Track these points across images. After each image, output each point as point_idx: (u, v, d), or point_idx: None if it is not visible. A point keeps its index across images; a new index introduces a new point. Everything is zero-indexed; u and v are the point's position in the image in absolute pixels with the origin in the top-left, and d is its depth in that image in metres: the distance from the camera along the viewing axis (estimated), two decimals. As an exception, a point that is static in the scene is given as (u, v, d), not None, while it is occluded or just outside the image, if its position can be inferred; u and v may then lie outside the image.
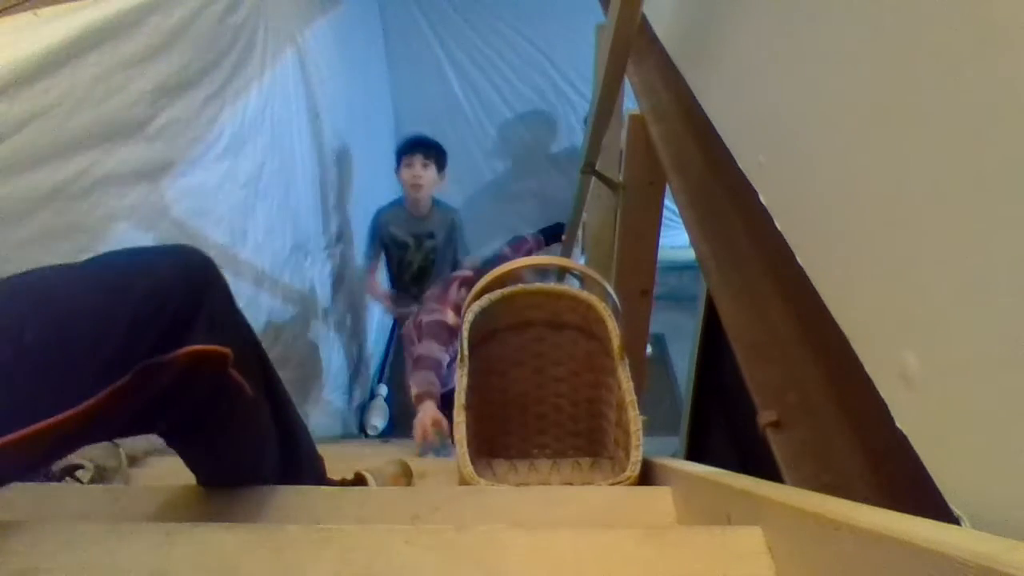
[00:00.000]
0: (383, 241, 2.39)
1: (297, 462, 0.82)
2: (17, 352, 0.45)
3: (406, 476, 1.13)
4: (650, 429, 0.90)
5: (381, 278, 2.50)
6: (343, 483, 0.99)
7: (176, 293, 0.55)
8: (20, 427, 0.45)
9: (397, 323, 2.81)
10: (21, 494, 0.72)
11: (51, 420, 0.46)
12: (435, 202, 2.37)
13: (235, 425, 0.67)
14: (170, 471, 0.71)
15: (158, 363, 0.53)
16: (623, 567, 0.47)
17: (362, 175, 2.78)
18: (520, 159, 3.58)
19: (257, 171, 1.64)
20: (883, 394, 0.42)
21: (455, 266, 2.38)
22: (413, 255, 2.37)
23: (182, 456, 0.70)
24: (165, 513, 0.71)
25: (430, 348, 1.70)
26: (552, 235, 2.51)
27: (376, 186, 2.98)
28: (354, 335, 2.65)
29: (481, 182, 3.56)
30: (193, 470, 0.72)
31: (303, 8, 2.01)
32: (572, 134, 3.44)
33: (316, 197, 2.16)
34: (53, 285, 0.51)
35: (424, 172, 2.23)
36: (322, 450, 0.92)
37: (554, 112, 3.42)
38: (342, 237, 2.46)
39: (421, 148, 2.24)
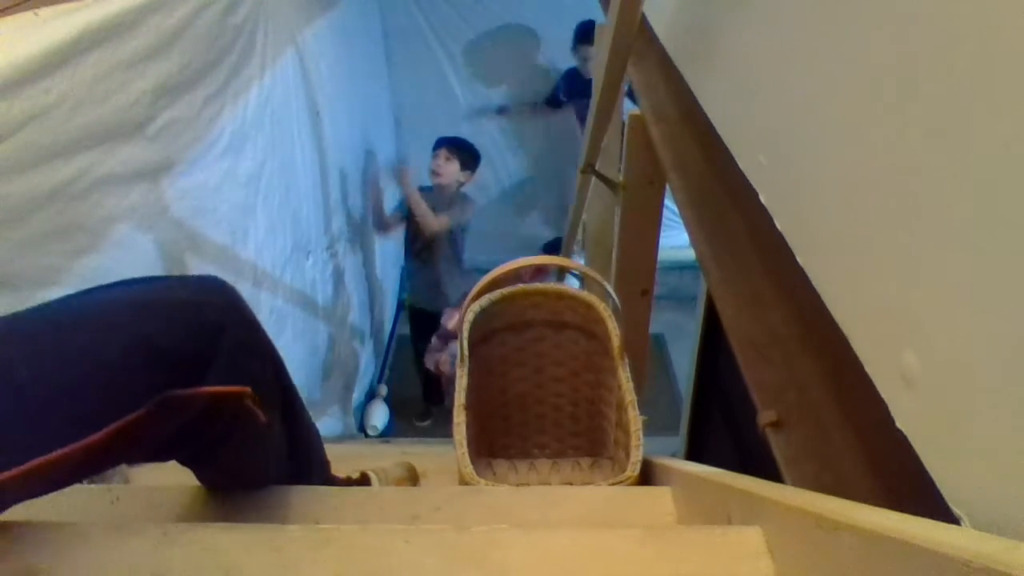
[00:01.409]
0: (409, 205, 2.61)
1: (307, 472, 0.82)
2: (9, 391, 0.45)
3: (411, 479, 1.13)
4: (650, 429, 0.90)
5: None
6: (348, 481, 0.99)
7: (191, 333, 0.54)
8: (23, 461, 0.44)
9: (398, 318, 2.86)
10: (21, 494, 0.72)
11: (55, 455, 0.46)
12: (460, 194, 2.60)
13: (246, 450, 0.67)
14: (170, 471, 0.71)
15: (178, 397, 0.53)
16: (623, 567, 0.47)
17: (363, 175, 2.78)
18: (520, 158, 3.58)
19: (257, 171, 1.64)
20: (883, 394, 0.42)
21: (456, 247, 2.68)
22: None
23: (193, 472, 0.70)
24: (165, 513, 0.71)
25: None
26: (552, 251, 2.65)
27: (377, 185, 2.98)
28: (354, 335, 2.65)
29: (481, 181, 3.56)
30: (201, 482, 0.72)
31: (303, 8, 2.01)
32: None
33: (317, 197, 2.16)
34: (58, 322, 0.50)
35: (445, 164, 2.51)
36: (322, 450, 0.92)
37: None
38: (343, 237, 2.46)
39: (447, 143, 2.54)
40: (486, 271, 0.96)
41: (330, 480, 0.93)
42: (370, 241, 2.90)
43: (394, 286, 3.48)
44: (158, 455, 0.60)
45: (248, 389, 0.59)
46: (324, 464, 0.90)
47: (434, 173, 2.53)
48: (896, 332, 0.41)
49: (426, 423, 2.99)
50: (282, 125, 1.82)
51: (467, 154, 2.57)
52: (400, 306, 3.59)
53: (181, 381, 0.53)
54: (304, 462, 0.81)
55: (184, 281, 0.59)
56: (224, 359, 0.56)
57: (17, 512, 0.53)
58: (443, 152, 2.51)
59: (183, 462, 0.65)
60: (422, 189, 2.63)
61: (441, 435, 2.89)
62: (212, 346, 0.56)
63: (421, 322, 2.80)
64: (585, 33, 3.04)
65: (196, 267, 1.33)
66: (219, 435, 0.61)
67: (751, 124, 0.68)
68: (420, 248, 2.67)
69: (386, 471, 1.09)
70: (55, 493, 0.53)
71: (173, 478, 0.73)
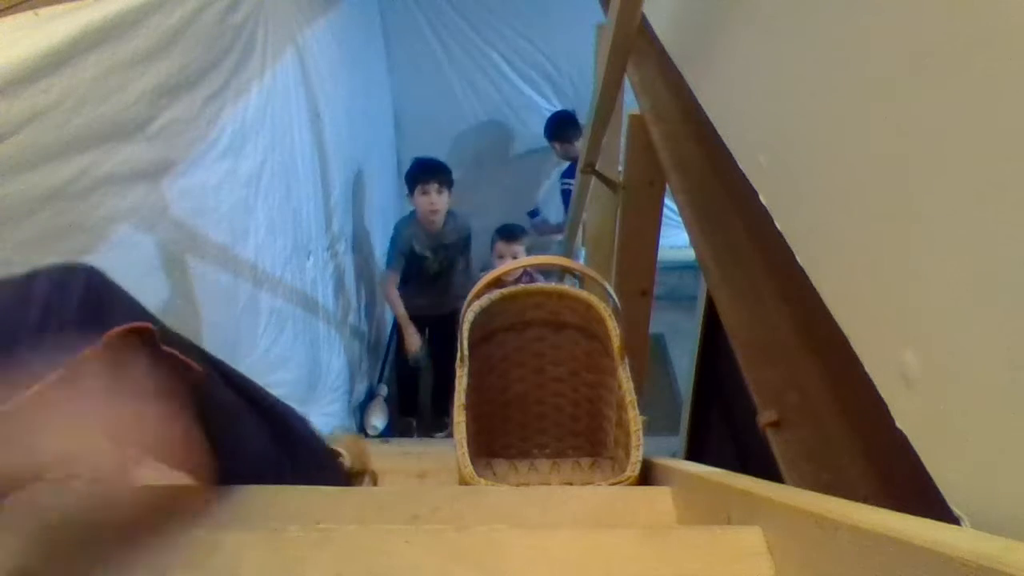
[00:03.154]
0: (404, 253, 2.51)
1: (287, 431, 0.81)
2: None
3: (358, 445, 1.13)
4: (650, 429, 0.90)
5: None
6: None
7: (76, 289, 0.54)
8: None
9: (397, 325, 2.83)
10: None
11: None
12: (452, 215, 2.53)
13: (195, 406, 0.66)
14: (170, 471, 0.71)
15: (84, 356, 0.52)
16: (623, 567, 0.47)
17: (363, 175, 2.78)
18: (520, 159, 3.58)
19: (258, 171, 1.64)
20: (883, 394, 0.42)
21: (467, 267, 2.64)
22: (431, 264, 2.55)
23: None
24: (165, 513, 0.71)
25: None
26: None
27: (377, 186, 2.98)
28: (354, 335, 2.65)
29: (481, 182, 3.56)
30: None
31: (303, 8, 2.01)
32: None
33: (317, 197, 2.16)
34: None
35: (439, 199, 2.42)
36: (322, 450, 0.93)
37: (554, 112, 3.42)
38: (343, 237, 2.46)
39: (435, 177, 2.40)
40: (487, 270, 0.96)
41: (334, 465, 0.94)
42: (370, 241, 2.91)
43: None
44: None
45: (149, 325, 0.58)
46: (323, 450, 0.90)
47: (431, 212, 2.40)
48: (896, 332, 0.41)
49: (412, 419, 2.96)
50: (282, 125, 1.82)
51: (448, 175, 2.45)
52: None
53: (83, 343, 0.53)
54: (283, 428, 0.80)
55: (45, 267, 0.58)
56: (114, 313, 0.56)
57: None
58: (434, 187, 2.38)
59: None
60: (407, 220, 2.51)
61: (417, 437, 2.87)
62: (98, 304, 0.56)
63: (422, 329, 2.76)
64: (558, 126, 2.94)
65: (196, 267, 1.33)
66: (151, 391, 0.59)
67: (751, 124, 0.68)
68: (429, 279, 2.57)
69: (343, 444, 1.08)
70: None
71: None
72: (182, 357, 0.62)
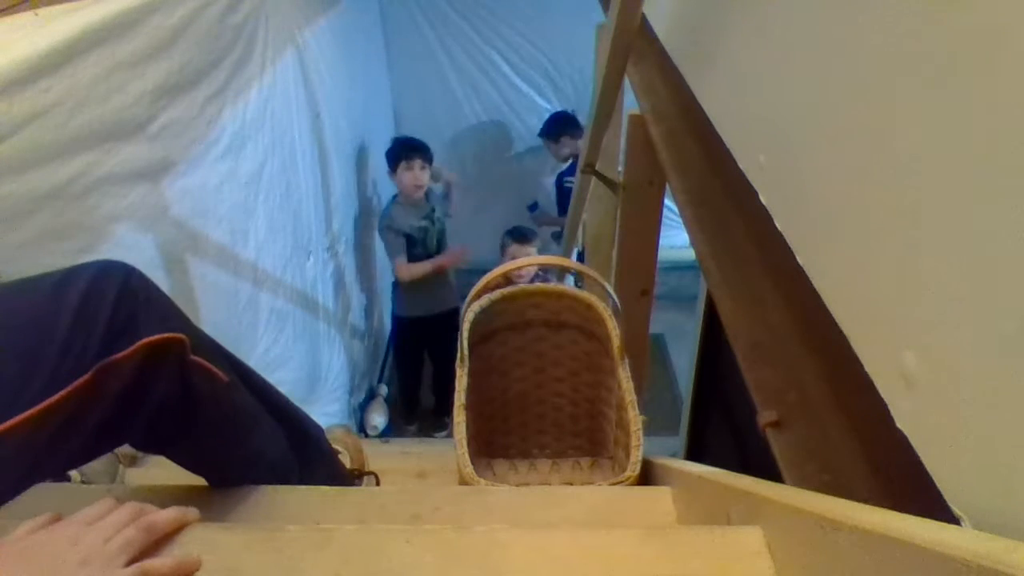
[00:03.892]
0: (403, 234, 2.53)
1: (304, 439, 0.82)
2: None
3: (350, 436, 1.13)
4: (650, 429, 0.90)
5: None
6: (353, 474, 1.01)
7: (110, 293, 0.54)
8: None
9: (396, 322, 2.83)
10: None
11: (15, 419, 0.46)
12: (430, 191, 2.61)
13: (218, 414, 0.66)
14: (170, 471, 0.71)
15: (114, 361, 0.53)
16: (623, 567, 0.47)
17: (363, 175, 2.78)
18: (520, 159, 3.58)
19: (258, 171, 1.64)
20: (883, 394, 0.42)
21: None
22: (432, 233, 2.59)
23: (185, 462, 0.69)
24: (165, 513, 0.71)
25: None
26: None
27: (377, 186, 2.98)
28: (354, 335, 2.65)
29: (481, 182, 3.56)
30: (200, 473, 0.72)
31: (303, 8, 2.01)
32: (572, 134, 3.44)
33: (317, 197, 2.16)
34: None
35: (422, 174, 2.49)
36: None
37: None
38: (343, 237, 2.46)
39: (419, 154, 2.48)
40: (487, 271, 0.96)
41: (341, 470, 0.94)
42: (371, 241, 2.91)
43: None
44: (113, 433, 0.58)
45: (183, 336, 0.59)
46: (332, 454, 0.91)
47: (416, 187, 2.47)
48: (896, 332, 0.41)
49: (413, 427, 2.96)
50: (282, 125, 1.82)
51: (430, 153, 2.53)
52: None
53: (119, 344, 0.54)
54: (298, 430, 0.81)
55: (85, 264, 0.58)
56: (151, 315, 0.57)
57: (18, 512, 0.53)
58: (418, 163, 2.46)
59: (158, 442, 0.64)
60: (389, 206, 2.55)
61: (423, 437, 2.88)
62: (134, 305, 0.56)
63: (422, 329, 2.75)
64: (556, 125, 2.98)
65: (196, 267, 1.33)
66: (177, 395, 0.60)
67: (751, 124, 0.68)
68: (434, 249, 2.60)
69: (336, 437, 1.08)
70: (55, 489, 0.53)
71: (173, 479, 0.73)
72: (208, 366, 0.63)
